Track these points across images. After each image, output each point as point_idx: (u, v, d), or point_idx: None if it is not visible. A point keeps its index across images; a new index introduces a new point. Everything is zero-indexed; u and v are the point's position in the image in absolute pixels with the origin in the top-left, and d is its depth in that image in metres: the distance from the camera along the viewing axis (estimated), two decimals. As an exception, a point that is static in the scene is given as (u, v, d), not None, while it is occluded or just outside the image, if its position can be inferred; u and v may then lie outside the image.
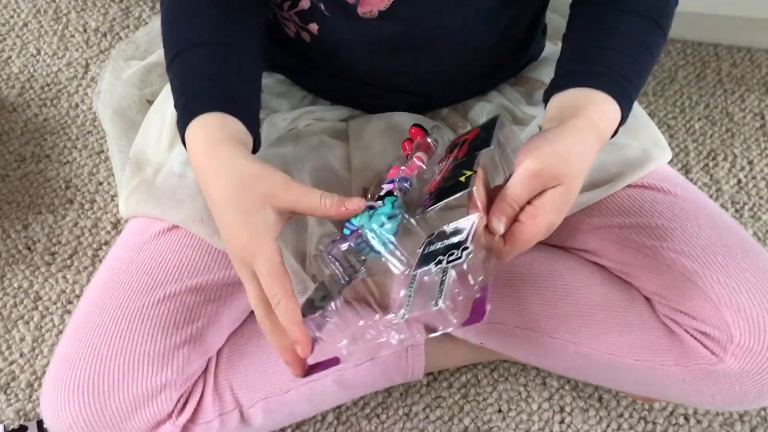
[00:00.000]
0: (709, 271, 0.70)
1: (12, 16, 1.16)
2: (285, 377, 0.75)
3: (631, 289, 0.75)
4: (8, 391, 0.85)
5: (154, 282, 0.72)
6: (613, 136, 0.66)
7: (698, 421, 0.86)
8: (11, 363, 0.87)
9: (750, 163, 1.05)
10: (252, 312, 0.79)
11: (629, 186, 0.76)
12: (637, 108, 0.85)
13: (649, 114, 1.06)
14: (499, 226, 0.57)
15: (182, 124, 0.65)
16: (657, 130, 0.82)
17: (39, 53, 1.12)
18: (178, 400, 0.70)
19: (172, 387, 0.69)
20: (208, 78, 0.66)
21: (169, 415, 0.69)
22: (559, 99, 0.65)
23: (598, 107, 0.64)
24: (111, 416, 0.67)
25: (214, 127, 0.63)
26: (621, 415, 0.86)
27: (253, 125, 0.66)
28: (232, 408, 0.72)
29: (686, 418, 0.86)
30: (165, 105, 0.82)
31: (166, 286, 0.71)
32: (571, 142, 0.60)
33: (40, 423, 0.83)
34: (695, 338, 0.70)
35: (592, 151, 0.62)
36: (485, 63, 0.80)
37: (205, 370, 0.73)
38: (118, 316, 0.70)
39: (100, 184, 1.01)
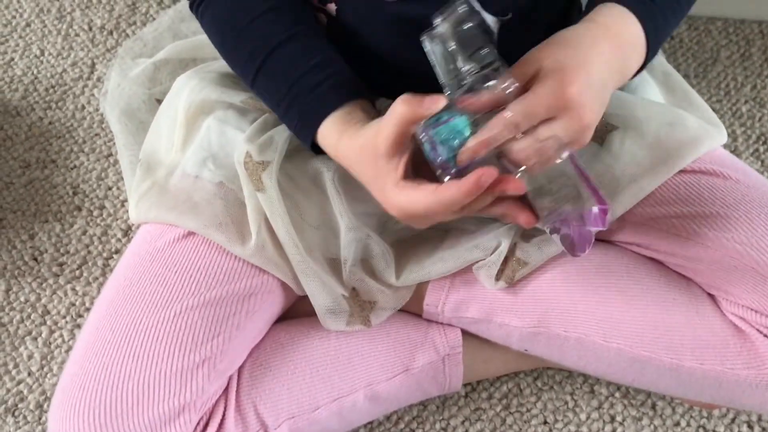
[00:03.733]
0: (782, 264, 0.63)
1: (14, 17, 1.10)
2: (313, 393, 0.68)
3: (692, 285, 0.68)
4: (16, 413, 0.80)
5: (169, 295, 0.66)
6: (638, 72, 0.62)
7: (763, 429, 0.79)
8: (19, 383, 0.81)
9: (804, 146, 0.98)
10: (275, 323, 0.73)
11: (684, 172, 0.69)
12: (686, 86, 0.79)
13: (692, 97, 0.99)
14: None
15: (307, 134, 0.64)
16: (709, 109, 0.76)
17: (43, 54, 1.07)
18: (198, 423, 0.64)
19: (192, 409, 0.63)
20: (307, 77, 0.64)
21: (189, 440, 0.63)
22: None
23: (612, 13, 0.60)
24: (125, 443, 0.61)
25: (333, 131, 0.62)
26: (677, 424, 0.79)
27: (360, 86, 0.64)
28: (257, 430, 0.66)
29: (750, 426, 0.79)
30: (175, 102, 0.76)
31: (183, 299, 0.66)
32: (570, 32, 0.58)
33: (51, 447, 0.77)
34: (768, 338, 0.63)
35: (602, 45, 0.57)
36: (515, 46, 0.73)
37: (227, 389, 0.67)
38: (131, 333, 0.64)
39: (110, 189, 0.95)
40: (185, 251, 0.68)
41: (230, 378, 0.67)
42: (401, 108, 0.53)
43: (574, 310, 0.69)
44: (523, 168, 0.54)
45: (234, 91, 0.74)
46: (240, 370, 0.68)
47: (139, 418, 0.61)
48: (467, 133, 0.53)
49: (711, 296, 0.68)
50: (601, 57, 0.56)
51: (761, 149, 0.98)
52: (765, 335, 0.63)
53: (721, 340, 0.65)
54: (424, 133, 0.53)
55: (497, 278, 0.69)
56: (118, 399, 0.62)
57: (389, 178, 0.56)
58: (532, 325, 0.71)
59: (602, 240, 0.73)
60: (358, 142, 0.59)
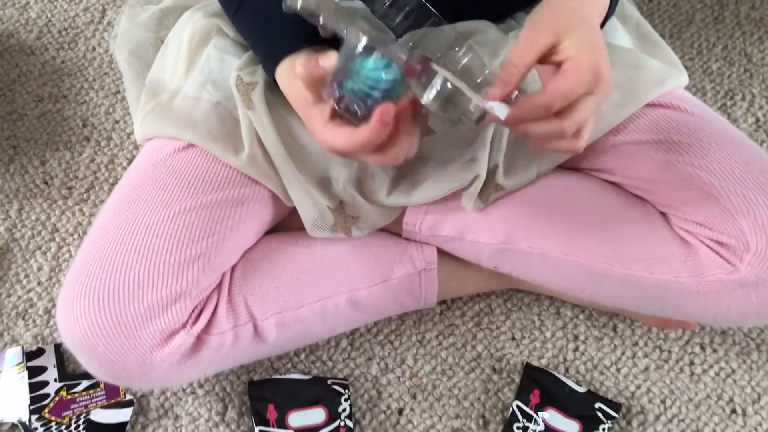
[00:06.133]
0: (726, 183, 0.70)
1: (30, -35, 1.17)
2: (299, 293, 0.75)
3: (646, 204, 0.75)
4: (26, 317, 0.87)
5: (169, 197, 0.72)
6: (603, 23, 0.67)
7: (714, 350, 0.85)
8: (29, 291, 0.88)
9: (768, 102, 1.04)
10: (267, 233, 0.80)
11: (647, 106, 0.76)
12: (654, 35, 0.85)
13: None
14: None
15: (270, 68, 0.69)
16: (674, 54, 0.82)
17: (56, -1, 1.13)
18: (193, 310, 0.71)
19: (187, 297, 0.70)
20: (274, 19, 0.69)
21: (184, 325, 0.70)
22: None
23: None
24: (126, 324, 0.68)
25: (285, 76, 0.67)
26: (636, 344, 0.86)
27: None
28: (246, 321, 0.73)
29: (702, 347, 0.86)
30: (181, 33, 0.83)
31: (181, 201, 0.72)
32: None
33: (57, 346, 0.84)
34: (711, 248, 0.69)
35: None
36: None
37: (220, 284, 0.74)
38: (134, 230, 0.70)
39: (117, 122, 1.01)
40: (184, 160, 0.75)
41: (223, 275, 0.74)
42: (300, 71, 0.60)
43: (538, 227, 0.76)
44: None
45: (232, 25, 0.81)
46: (233, 269, 0.75)
47: (139, 303, 0.68)
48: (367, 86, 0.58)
49: (663, 214, 0.74)
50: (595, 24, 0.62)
51: (728, 104, 1.04)
52: (708, 246, 0.70)
53: (670, 252, 0.71)
54: (327, 92, 0.60)
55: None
56: (120, 285, 0.68)
57: (318, 120, 0.62)
58: (501, 242, 0.77)
59: (569, 167, 0.79)
60: (298, 91, 0.65)
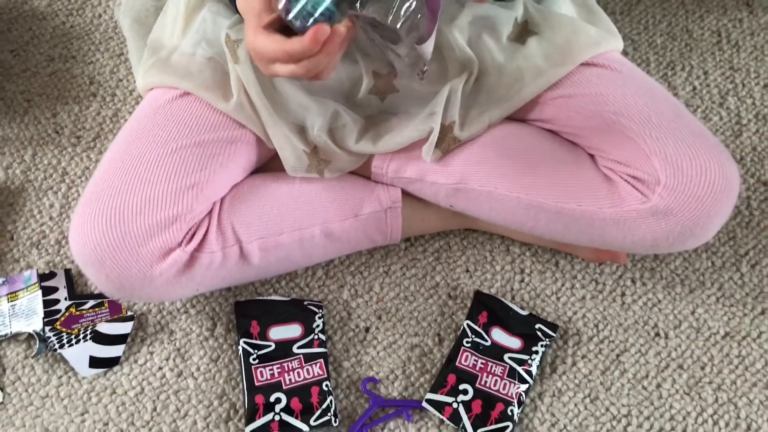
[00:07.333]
0: (642, 128, 0.82)
1: (41, -60, 1.28)
2: (279, 222, 0.87)
3: (577, 148, 0.87)
4: (39, 247, 0.98)
5: (168, 136, 0.84)
6: None
7: (644, 284, 0.98)
8: (42, 224, 1.00)
9: (705, 73, 1.16)
10: (253, 172, 0.91)
11: (582, 65, 0.88)
12: (595, 6, 0.97)
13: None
14: None
15: None
16: (611, 22, 0.94)
17: (65, -29, 1.24)
18: (187, 232, 0.82)
19: (182, 221, 0.81)
20: None
21: (179, 244, 0.82)
22: None
23: None
24: (130, 241, 0.79)
25: None
26: (575, 277, 0.98)
27: None
28: (233, 243, 0.85)
29: (633, 281, 0.98)
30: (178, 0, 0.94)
31: (178, 140, 0.84)
32: None
33: (67, 271, 0.96)
34: (628, 182, 0.82)
35: None
36: None
37: (211, 212, 0.85)
38: (137, 163, 0.82)
39: (120, 80, 1.13)
40: (181, 106, 0.86)
41: (214, 204, 0.86)
42: None
43: (486, 169, 0.87)
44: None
45: None
46: (222, 200, 0.87)
47: (141, 223, 0.80)
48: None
49: (591, 155, 0.86)
50: None
51: (669, 73, 1.16)
52: (626, 181, 0.82)
53: (595, 186, 0.83)
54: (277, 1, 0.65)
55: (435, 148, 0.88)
56: (125, 208, 0.80)
57: (255, 24, 0.68)
58: (455, 182, 0.89)
59: (515, 119, 0.91)
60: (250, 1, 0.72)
